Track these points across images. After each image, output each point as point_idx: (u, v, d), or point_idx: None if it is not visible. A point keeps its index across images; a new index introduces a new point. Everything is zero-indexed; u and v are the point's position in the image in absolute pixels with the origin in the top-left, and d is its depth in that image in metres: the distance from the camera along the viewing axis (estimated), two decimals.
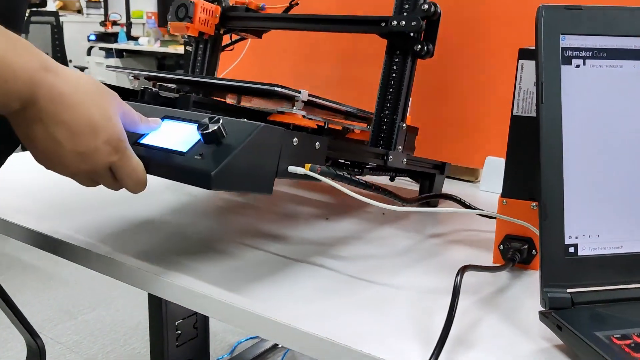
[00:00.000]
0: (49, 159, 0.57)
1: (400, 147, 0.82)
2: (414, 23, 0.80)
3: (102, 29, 5.79)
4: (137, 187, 0.60)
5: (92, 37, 5.66)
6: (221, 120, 0.56)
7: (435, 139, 1.12)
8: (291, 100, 0.70)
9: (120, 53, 5.48)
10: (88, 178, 0.60)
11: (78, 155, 0.57)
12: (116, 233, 0.76)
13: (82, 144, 0.56)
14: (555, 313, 0.56)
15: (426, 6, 0.80)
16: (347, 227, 0.83)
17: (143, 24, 5.99)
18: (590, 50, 0.58)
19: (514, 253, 0.70)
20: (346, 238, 0.79)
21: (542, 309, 0.57)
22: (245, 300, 0.59)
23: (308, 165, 0.63)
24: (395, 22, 0.81)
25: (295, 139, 0.62)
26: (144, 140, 0.62)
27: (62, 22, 5.34)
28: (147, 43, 5.28)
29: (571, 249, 0.59)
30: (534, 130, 0.59)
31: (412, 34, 0.81)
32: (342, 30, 0.89)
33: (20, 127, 0.55)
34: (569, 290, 0.58)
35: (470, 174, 1.14)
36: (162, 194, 0.95)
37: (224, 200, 0.95)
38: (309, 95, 0.71)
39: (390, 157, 0.79)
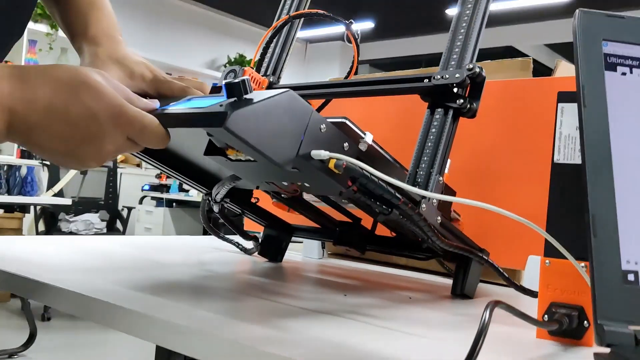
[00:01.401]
0: (68, 161, 0.57)
1: (435, 201, 0.76)
2: (457, 75, 0.78)
3: (156, 181, 6.04)
4: (156, 140, 0.59)
5: (146, 187, 5.90)
6: (246, 78, 0.54)
7: (468, 234, 1.05)
8: (355, 140, 0.67)
9: (170, 203, 5.65)
10: (114, 154, 0.60)
11: (92, 148, 0.56)
12: None
13: (86, 140, 0.55)
14: (617, 352, 0.46)
15: (470, 66, 0.79)
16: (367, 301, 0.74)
17: None
18: (638, 59, 0.55)
19: (561, 317, 0.59)
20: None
21: (597, 351, 0.48)
22: None
23: (333, 161, 0.59)
24: (439, 77, 0.80)
25: (323, 125, 0.59)
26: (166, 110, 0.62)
27: (121, 173, 5.63)
28: (197, 195, 5.45)
29: (630, 277, 0.50)
30: (578, 178, 0.53)
31: (455, 90, 0.79)
32: (383, 92, 0.87)
33: (23, 144, 0.56)
34: (632, 327, 0.48)
35: (510, 277, 1.04)
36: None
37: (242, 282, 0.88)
38: (373, 140, 0.69)
39: (424, 206, 0.73)
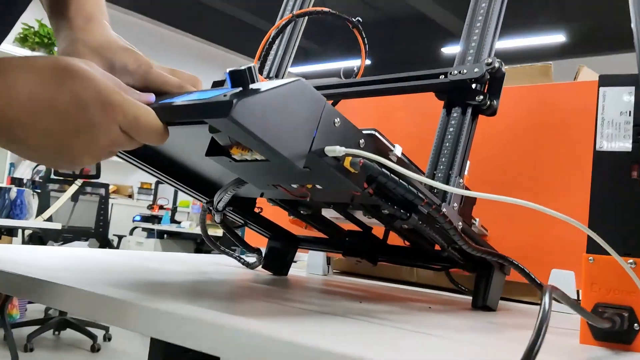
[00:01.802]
0: (59, 159, 0.52)
1: (455, 205, 0.71)
2: (476, 70, 0.74)
3: (148, 212, 5.97)
4: (153, 134, 0.53)
5: (137, 218, 5.82)
6: (252, 65, 0.49)
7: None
8: (385, 152, 0.63)
9: (161, 234, 5.56)
10: (108, 152, 0.54)
11: (83, 142, 0.51)
12: None
13: (75, 132, 0.50)
14: None
15: (490, 60, 0.75)
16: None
17: (188, 213, 6.17)
18: None
19: (612, 316, 0.54)
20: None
21: None
22: None
23: (349, 158, 0.54)
24: (456, 72, 0.76)
25: (337, 119, 0.54)
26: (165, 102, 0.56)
27: (112, 204, 5.55)
28: (189, 226, 5.37)
29: None
30: (624, 167, 0.49)
31: (473, 86, 0.75)
32: (396, 91, 0.83)
33: (6, 146, 0.51)
34: None
35: (531, 293, 0.99)
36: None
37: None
38: (402, 153, 0.65)
39: (444, 209, 0.68)
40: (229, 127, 0.48)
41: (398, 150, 0.64)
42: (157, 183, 6.27)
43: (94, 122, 0.50)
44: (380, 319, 0.61)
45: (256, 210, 0.97)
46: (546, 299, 0.42)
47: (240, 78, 0.48)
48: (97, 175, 4.63)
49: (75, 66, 0.51)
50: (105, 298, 0.56)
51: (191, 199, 6.22)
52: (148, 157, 0.75)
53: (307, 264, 1.23)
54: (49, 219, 3.81)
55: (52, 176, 4.50)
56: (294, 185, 0.61)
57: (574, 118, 0.98)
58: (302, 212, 0.88)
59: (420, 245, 0.90)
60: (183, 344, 0.50)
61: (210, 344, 0.48)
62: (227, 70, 0.49)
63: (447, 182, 0.73)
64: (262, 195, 0.83)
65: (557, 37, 6.87)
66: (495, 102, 0.75)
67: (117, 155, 0.75)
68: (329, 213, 0.95)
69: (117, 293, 0.57)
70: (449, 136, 0.74)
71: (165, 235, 5.61)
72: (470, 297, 0.97)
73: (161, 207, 6.01)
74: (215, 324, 0.48)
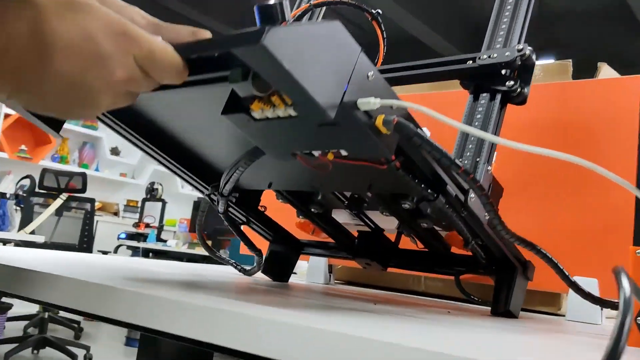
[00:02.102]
0: (74, 101, 0.46)
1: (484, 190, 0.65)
2: (508, 54, 0.69)
3: (134, 230, 5.86)
4: (171, 70, 0.47)
5: (123, 236, 5.70)
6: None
7: None
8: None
9: (146, 253, 5.45)
10: (126, 92, 0.48)
11: (98, 75, 0.45)
12: None
13: (87, 66, 0.45)
14: None
15: (520, 46, 0.70)
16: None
17: (174, 232, 6.07)
18: None
19: None
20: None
21: None
22: None
23: (382, 117, 0.48)
24: (485, 56, 0.70)
25: (371, 72, 0.49)
26: None
27: (97, 221, 5.43)
28: (175, 245, 5.27)
29: None
30: None
31: (503, 72, 0.70)
32: (421, 78, 0.77)
33: (12, 96, 0.46)
34: None
35: (550, 303, 0.93)
36: None
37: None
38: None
39: (472, 196, 0.62)
40: (258, 60, 0.43)
41: (427, 133, 0.59)
42: (144, 200, 6.17)
43: (107, 53, 0.45)
44: (402, 315, 0.55)
45: (260, 209, 0.91)
46: (624, 280, 0.36)
47: (270, 14, 0.44)
48: (83, 190, 4.54)
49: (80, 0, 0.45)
50: (98, 286, 0.50)
51: (179, 216, 6.15)
52: (147, 131, 0.69)
53: (308, 272, 1.16)
54: (32, 234, 3.71)
55: (37, 189, 4.40)
56: (315, 154, 0.55)
57: (596, 115, 0.94)
58: (313, 209, 0.82)
59: (434, 248, 0.84)
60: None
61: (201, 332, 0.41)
62: (256, 5, 0.44)
63: (474, 171, 0.67)
64: (269, 187, 0.77)
65: (547, 61, 6.92)
66: (525, 89, 0.70)
67: (114, 129, 0.68)
68: (340, 217, 0.89)
69: (110, 282, 0.50)
70: (476, 123, 0.68)
71: (150, 254, 5.49)
72: (483, 307, 0.91)
73: (147, 225, 5.90)
74: (208, 309, 0.41)
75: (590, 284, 0.89)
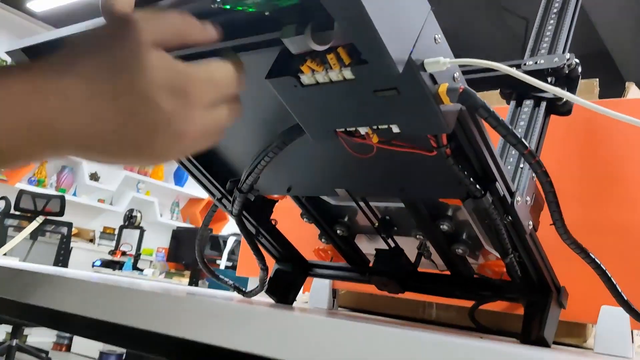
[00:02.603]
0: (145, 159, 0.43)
1: (529, 198, 0.61)
2: (556, 60, 0.65)
3: (109, 257, 5.71)
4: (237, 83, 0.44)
5: (98, 263, 5.55)
6: None
7: None
8: None
9: None
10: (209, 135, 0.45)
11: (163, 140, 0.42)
12: None
13: (152, 130, 0.41)
14: None
15: (567, 55, 0.66)
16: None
17: (150, 261, 5.93)
18: None
19: None
20: None
21: None
22: None
23: (445, 85, 0.44)
24: (530, 62, 0.66)
25: (439, 36, 0.45)
26: None
27: (72, 247, 5.28)
28: (152, 274, 5.13)
29: None
30: None
31: (549, 79, 0.66)
32: None
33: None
34: None
35: (575, 334, 0.87)
36: None
37: None
38: None
39: (518, 199, 0.57)
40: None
41: None
42: (121, 228, 6.03)
43: (171, 114, 0.41)
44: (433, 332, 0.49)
45: (271, 221, 0.84)
46: None
47: None
48: (61, 213, 4.42)
49: (129, 51, 0.40)
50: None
51: (156, 245, 6.01)
52: None
53: (311, 296, 1.09)
54: (4, 256, 3.57)
55: (12, 212, 4.27)
56: (362, 131, 0.50)
57: (623, 134, 0.90)
58: (338, 231, 0.76)
59: (458, 271, 0.79)
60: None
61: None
62: None
63: (518, 178, 0.62)
64: (288, 191, 0.71)
65: None
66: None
67: None
68: (364, 245, 0.83)
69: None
70: (519, 129, 0.64)
71: None
72: (501, 337, 0.85)
73: (124, 253, 5.75)
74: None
75: (620, 314, 0.84)
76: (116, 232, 6.22)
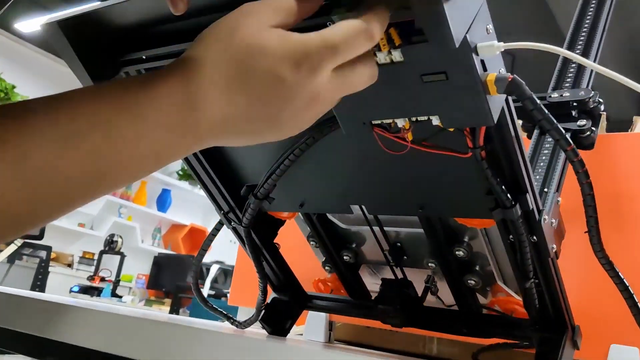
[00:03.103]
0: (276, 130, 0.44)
1: (554, 220, 0.59)
2: (582, 93, 0.64)
3: (88, 283, 5.59)
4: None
5: (75, 289, 5.41)
6: None
7: None
8: None
9: None
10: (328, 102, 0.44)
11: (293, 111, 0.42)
12: None
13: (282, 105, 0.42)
14: None
15: (592, 92, 0.65)
16: None
17: (130, 287, 5.82)
18: None
19: None
20: None
21: None
22: None
23: (494, 75, 0.44)
24: (556, 94, 0.65)
25: (490, 27, 0.45)
26: None
27: (49, 272, 5.16)
28: (131, 302, 5.03)
29: None
30: None
31: (573, 113, 0.64)
32: None
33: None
34: None
35: None
36: None
37: None
38: None
39: (545, 217, 0.55)
40: None
41: None
42: (101, 253, 5.91)
43: (289, 79, 0.41)
44: None
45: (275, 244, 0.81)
46: None
47: None
48: (40, 237, 4.31)
49: (247, 35, 0.41)
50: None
51: (137, 272, 5.90)
52: None
53: (306, 329, 1.05)
54: None
55: None
56: (400, 124, 0.49)
57: (631, 169, 0.89)
58: (345, 257, 0.73)
59: (466, 306, 0.76)
60: None
61: None
62: None
63: (543, 201, 0.60)
64: (301, 207, 0.68)
65: None
66: (594, 134, 0.65)
67: None
68: (367, 280, 0.81)
69: None
70: (543, 157, 0.62)
71: None
72: None
73: (103, 279, 5.63)
74: None
75: (631, 353, 0.81)
76: (96, 257, 6.10)
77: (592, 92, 0.66)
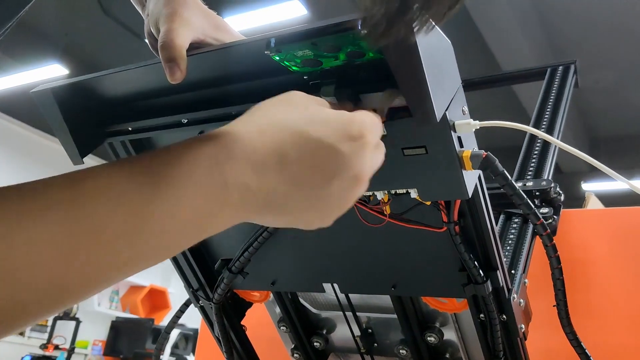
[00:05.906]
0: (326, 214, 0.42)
1: (522, 301, 0.60)
2: (544, 183, 0.67)
3: (40, 352, 5.36)
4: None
5: (27, 358, 5.19)
6: None
7: None
8: None
9: None
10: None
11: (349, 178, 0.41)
12: None
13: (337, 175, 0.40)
14: None
15: (553, 184, 0.69)
16: None
17: (85, 355, 5.60)
18: None
19: None
20: None
21: None
22: None
23: (469, 152, 0.46)
24: (520, 184, 0.68)
25: (465, 108, 0.49)
26: None
27: None
28: None
29: None
30: None
31: (536, 201, 0.67)
32: None
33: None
34: None
35: None
36: None
37: None
38: None
39: (514, 296, 0.57)
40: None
41: None
42: (55, 319, 5.70)
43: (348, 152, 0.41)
44: None
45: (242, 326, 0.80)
46: None
47: None
48: None
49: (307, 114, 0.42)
50: None
51: (93, 337, 5.68)
52: None
53: None
54: None
55: None
56: (379, 196, 0.51)
57: (585, 240, 0.93)
58: (315, 343, 0.73)
59: None
60: None
61: None
62: None
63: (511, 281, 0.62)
64: (272, 285, 0.67)
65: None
66: (555, 221, 0.67)
67: None
68: None
69: None
70: (509, 241, 0.65)
71: None
72: None
73: (56, 347, 5.40)
74: None
75: None
76: (49, 323, 5.88)
77: (553, 182, 0.70)
